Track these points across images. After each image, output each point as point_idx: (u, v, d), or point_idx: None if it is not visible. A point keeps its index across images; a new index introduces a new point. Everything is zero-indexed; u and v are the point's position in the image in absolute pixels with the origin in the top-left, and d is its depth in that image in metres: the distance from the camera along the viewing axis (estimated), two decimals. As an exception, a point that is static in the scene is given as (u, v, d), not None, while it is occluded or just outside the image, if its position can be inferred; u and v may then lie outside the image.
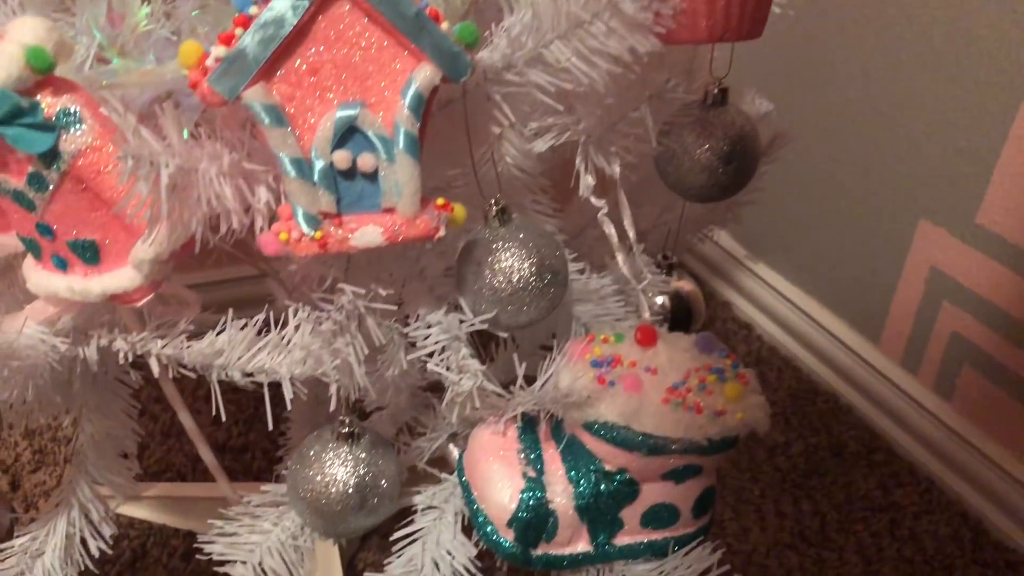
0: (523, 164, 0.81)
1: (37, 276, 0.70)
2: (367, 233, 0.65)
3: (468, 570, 0.78)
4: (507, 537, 0.74)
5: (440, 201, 0.66)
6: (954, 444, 1.37)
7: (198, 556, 1.24)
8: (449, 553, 0.78)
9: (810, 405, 1.53)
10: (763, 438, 1.49)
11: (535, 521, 0.73)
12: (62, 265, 0.69)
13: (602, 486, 0.74)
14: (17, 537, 0.81)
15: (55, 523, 0.80)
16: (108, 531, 0.80)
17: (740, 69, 0.80)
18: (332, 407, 0.68)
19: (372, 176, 0.64)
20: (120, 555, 1.25)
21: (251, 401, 1.47)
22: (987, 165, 1.19)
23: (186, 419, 0.79)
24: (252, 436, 1.42)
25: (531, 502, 0.73)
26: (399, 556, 0.79)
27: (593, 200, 0.73)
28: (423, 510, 0.81)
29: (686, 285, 0.91)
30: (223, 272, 1.54)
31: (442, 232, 0.67)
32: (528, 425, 0.78)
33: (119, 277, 0.68)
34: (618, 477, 0.73)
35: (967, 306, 1.29)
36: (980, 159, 1.19)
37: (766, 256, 1.66)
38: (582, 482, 0.74)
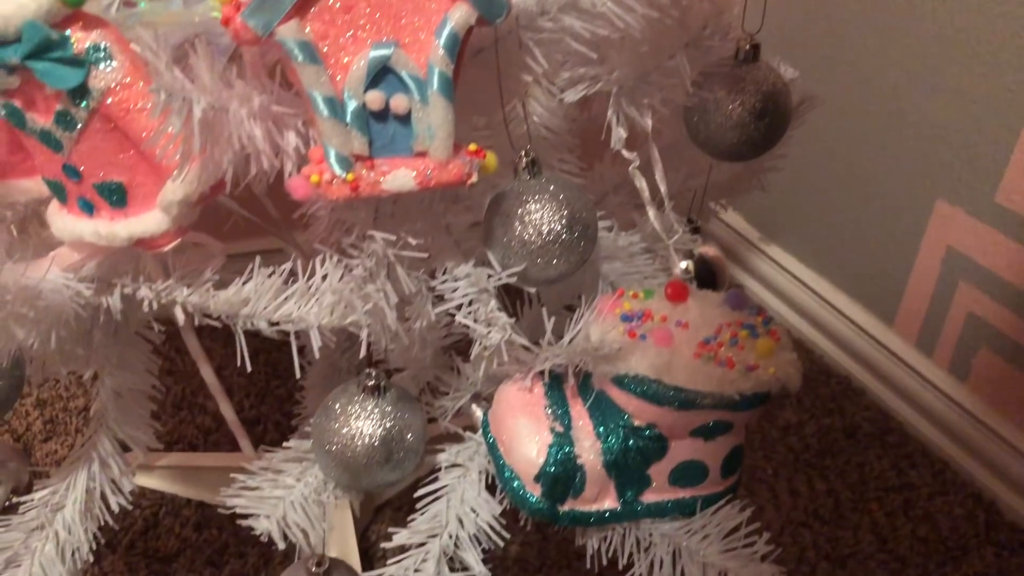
0: (550, 123, 0.80)
1: (62, 220, 0.69)
2: (399, 177, 0.64)
3: (492, 527, 0.76)
4: (534, 492, 0.73)
5: (472, 147, 0.65)
6: (969, 425, 1.36)
7: (212, 527, 1.24)
8: (473, 510, 0.77)
9: (823, 386, 1.52)
10: (776, 418, 1.48)
11: (563, 476, 0.72)
12: (88, 208, 0.68)
13: (630, 442, 0.73)
14: (37, 491, 0.80)
15: (75, 477, 0.79)
16: (128, 486, 0.79)
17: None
18: (362, 354, 0.67)
19: (405, 118, 0.63)
20: (132, 524, 1.24)
21: (262, 375, 1.47)
22: (1007, 143, 1.18)
23: (208, 374, 0.78)
24: (264, 409, 1.42)
25: (559, 456, 0.72)
26: (423, 513, 0.77)
27: (624, 153, 0.72)
28: (447, 468, 0.80)
29: (710, 250, 0.89)
30: (241, 245, 1.53)
31: (474, 179, 0.66)
32: (554, 382, 0.77)
33: (146, 221, 0.67)
34: (647, 433, 0.73)
35: (984, 286, 1.28)
36: (999, 138, 1.18)
37: (779, 238, 1.65)
38: (610, 437, 0.73)
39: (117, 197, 0.67)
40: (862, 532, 1.31)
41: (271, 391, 1.44)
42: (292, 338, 0.70)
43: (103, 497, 0.80)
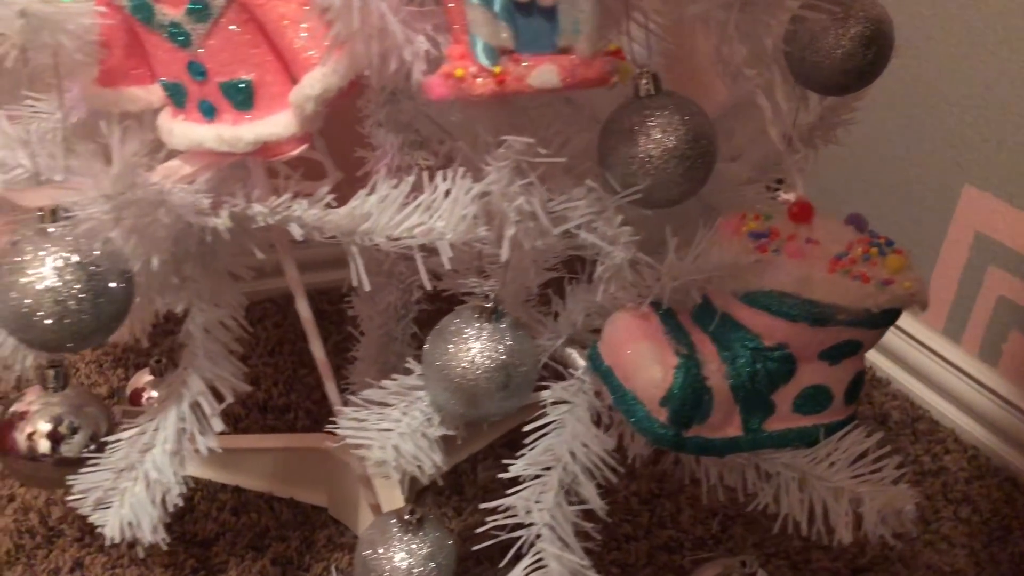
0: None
1: (179, 127, 0.66)
2: (544, 72, 0.62)
3: (604, 461, 0.74)
4: (660, 418, 0.71)
5: (612, 47, 0.64)
6: (1001, 410, 1.36)
7: (250, 511, 1.20)
8: (585, 445, 0.74)
9: (848, 377, 1.52)
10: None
11: (691, 398, 0.70)
12: (209, 112, 0.65)
13: (758, 364, 0.71)
14: (125, 430, 0.76)
15: (165, 417, 0.75)
16: (218, 427, 0.75)
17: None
18: (504, 256, 0.64)
19: (550, 12, 0.62)
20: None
21: (289, 364, 1.44)
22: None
23: (303, 307, 0.75)
24: (293, 396, 1.38)
25: (687, 377, 0.70)
26: (531, 448, 0.75)
27: (746, 71, 0.71)
28: (553, 404, 0.77)
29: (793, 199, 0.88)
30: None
31: (615, 79, 0.64)
32: (667, 313, 0.75)
33: (273, 123, 0.65)
34: (776, 354, 0.71)
35: (1015, 270, 1.28)
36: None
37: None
38: (737, 360, 0.71)
39: (244, 97, 0.64)
40: (907, 513, 1.29)
41: (299, 379, 1.41)
42: (417, 255, 0.67)
43: (192, 439, 0.75)
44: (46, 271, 0.60)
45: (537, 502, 0.71)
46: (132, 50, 0.66)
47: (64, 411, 0.83)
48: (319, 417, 1.38)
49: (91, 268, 0.61)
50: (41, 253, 0.61)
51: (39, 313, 0.60)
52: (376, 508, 0.99)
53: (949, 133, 1.31)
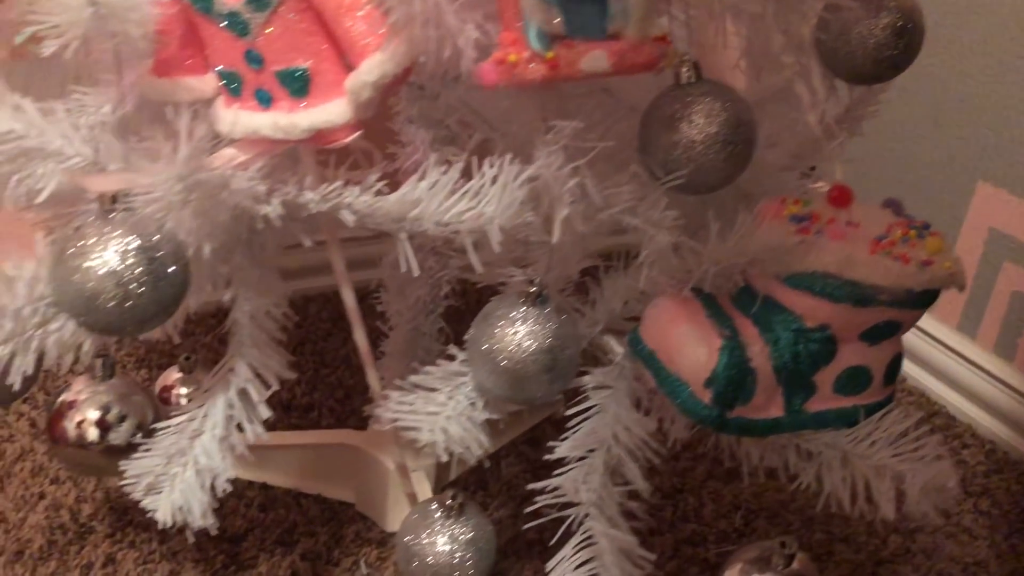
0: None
1: (234, 115, 0.67)
2: (595, 57, 0.64)
3: (647, 444, 0.75)
4: (704, 398, 0.72)
5: (660, 33, 0.65)
6: (1018, 404, 1.37)
7: (278, 507, 1.21)
8: (627, 428, 0.76)
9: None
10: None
11: (735, 378, 0.71)
12: (265, 100, 0.66)
13: (800, 345, 0.72)
14: (174, 416, 0.77)
15: (213, 403, 0.76)
16: (265, 414, 0.76)
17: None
18: (555, 238, 0.66)
19: (600, -2, 0.63)
20: (195, 506, 1.20)
21: (311, 364, 1.45)
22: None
23: (348, 296, 0.76)
24: (316, 396, 1.39)
25: (731, 358, 0.71)
26: (575, 432, 0.76)
27: (784, 59, 0.72)
28: (594, 388, 0.78)
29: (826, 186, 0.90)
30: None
31: (662, 65, 0.65)
32: (708, 298, 0.76)
33: (329, 110, 0.66)
34: (817, 335, 0.72)
35: (1030, 265, 1.29)
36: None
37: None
38: (780, 341, 0.72)
39: (300, 85, 0.65)
40: (926, 507, 1.31)
41: (321, 379, 1.42)
42: (467, 240, 0.68)
43: (239, 427, 0.77)
44: (109, 255, 0.61)
45: (584, 483, 0.72)
46: (188, 40, 0.67)
47: (111, 400, 0.84)
48: (342, 416, 1.39)
49: (152, 252, 0.62)
50: (104, 237, 0.62)
51: (102, 296, 0.61)
52: (412, 497, 0.99)
53: (963, 129, 1.32)
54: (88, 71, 0.79)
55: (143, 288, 0.62)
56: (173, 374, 1.19)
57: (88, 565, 1.10)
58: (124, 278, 0.62)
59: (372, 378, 0.86)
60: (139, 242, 0.63)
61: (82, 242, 0.62)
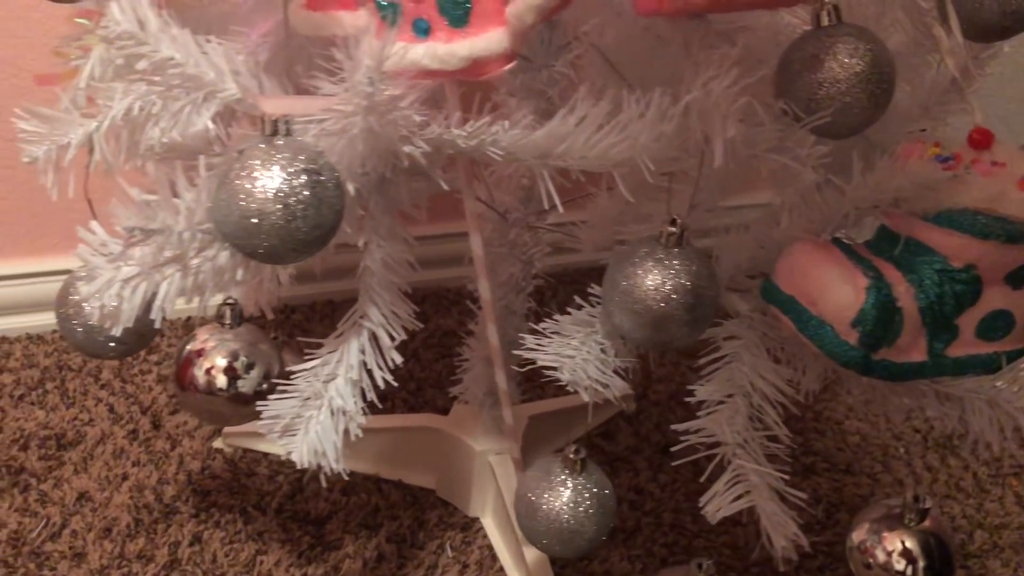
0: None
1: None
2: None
3: (782, 391, 0.75)
4: (849, 340, 0.71)
5: (814, -34, 0.66)
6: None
7: (359, 491, 1.20)
8: (762, 376, 0.75)
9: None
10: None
11: (883, 317, 0.71)
12: (422, 31, 0.67)
13: (945, 286, 0.72)
14: (307, 359, 0.77)
15: (347, 347, 0.76)
16: (398, 359, 0.76)
17: None
18: (718, 162, 0.65)
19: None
20: (278, 489, 1.19)
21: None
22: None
23: (484, 289, 0.76)
24: (388, 387, 1.38)
25: (879, 297, 0.70)
26: (708, 382, 0.75)
27: (922, 2, 0.73)
28: (725, 339, 0.78)
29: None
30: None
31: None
32: (842, 243, 0.76)
33: (487, 39, 0.66)
34: (963, 275, 0.72)
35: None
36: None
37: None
38: (925, 281, 0.72)
39: (461, 13, 0.66)
40: (1008, 503, 1.30)
41: (393, 371, 1.40)
42: (617, 176, 0.68)
43: (370, 374, 0.76)
44: (275, 176, 0.61)
45: (730, 425, 0.71)
46: (346, -29, 0.68)
47: (239, 347, 0.83)
48: (415, 406, 1.39)
49: (316, 176, 0.62)
50: (271, 159, 0.61)
51: (268, 217, 0.61)
52: (518, 463, 0.99)
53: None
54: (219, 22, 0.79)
55: (308, 210, 0.62)
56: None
57: (175, 543, 1.09)
58: (290, 199, 0.62)
59: (500, 377, 0.86)
60: (305, 164, 0.62)
61: (248, 164, 0.62)
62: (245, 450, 1.25)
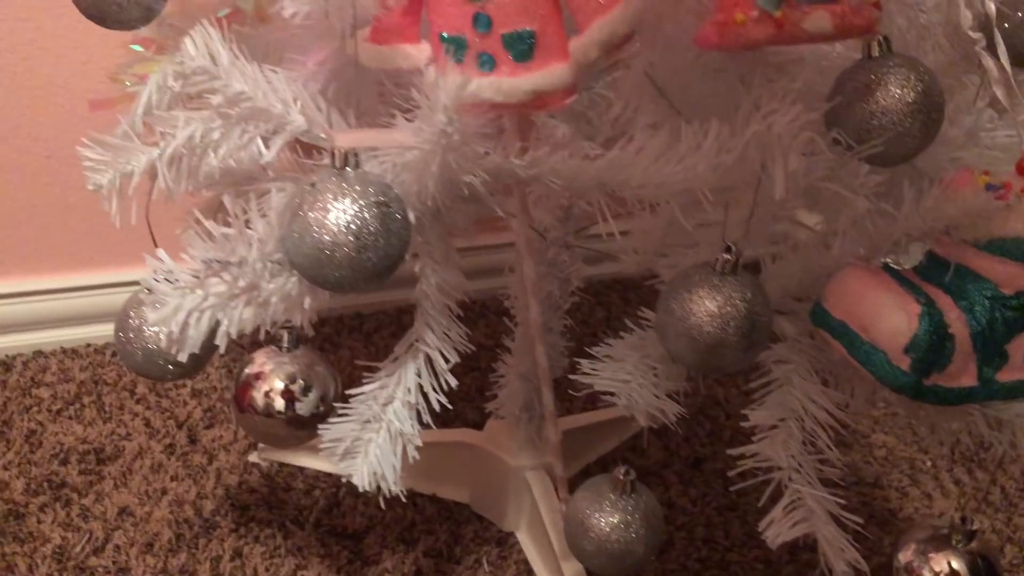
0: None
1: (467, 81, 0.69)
2: (818, 19, 0.65)
3: (832, 414, 0.76)
4: (902, 365, 0.73)
5: (872, -1, 0.67)
6: None
7: (396, 506, 1.20)
8: (812, 400, 0.76)
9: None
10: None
11: (935, 343, 0.72)
12: (487, 65, 0.68)
13: (997, 312, 0.73)
14: (366, 383, 0.78)
15: (403, 371, 0.77)
16: (453, 382, 0.77)
17: None
18: (779, 194, 0.67)
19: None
20: (314, 503, 1.21)
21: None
22: None
23: (534, 310, 0.78)
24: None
25: (931, 324, 0.72)
26: (760, 405, 0.76)
27: (971, 33, 0.74)
28: (775, 363, 0.79)
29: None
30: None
31: (877, 28, 0.67)
32: (893, 270, 0.77)
33: (550, 73, 0.68)
34: (1014, 302, 0.73)
35: None
36: None
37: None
38: (976, 308, 0.73)
39: (525, 48, 0.67)
40: (1037, 517, 1.31)
41: (424, 385, 1.42)
42: (675, 205, 0.69)
43: (425, 397, 0.77)
44: (348, 208, 0.62)
45: (784, 449, 0.73)
46: (410, 7, 0.69)
47: (297, 371, 0.84)
48: (447, 420, 1.39)
49: (385, 208, 0.63)
50: (344, 192, 0.63)
51: (339, 249, 0.62)
52: (562, 481, 1.00)
53: None
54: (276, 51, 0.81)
55: (379, 241, 0.63)
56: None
57: (217, 558, 1.10)
58: (362, 231, 0.63)
59: (547, 397, 0.87)
60: (375, 197, 0.64)
61: (322, 197, 0.63)
62: (281, 464, 1.27)
